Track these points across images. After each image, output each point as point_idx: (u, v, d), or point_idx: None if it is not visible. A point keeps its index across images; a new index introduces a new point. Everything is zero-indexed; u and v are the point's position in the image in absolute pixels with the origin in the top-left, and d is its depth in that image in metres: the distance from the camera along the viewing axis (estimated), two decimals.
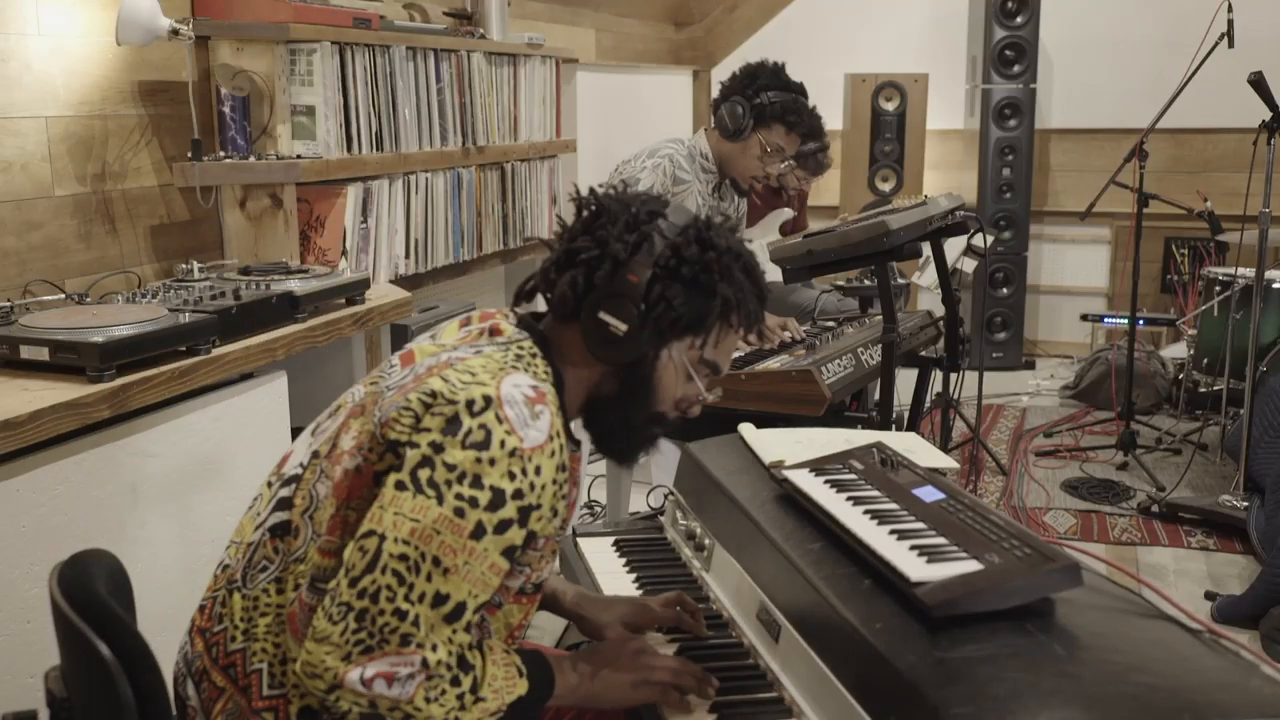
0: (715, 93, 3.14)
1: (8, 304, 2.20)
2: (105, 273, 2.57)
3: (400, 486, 1.21)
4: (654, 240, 1.37)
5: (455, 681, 1.23)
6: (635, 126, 3.15)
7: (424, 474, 1.21)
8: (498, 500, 1.22)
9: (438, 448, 1.21)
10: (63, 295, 2.36)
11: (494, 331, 1.39)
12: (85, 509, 1.91)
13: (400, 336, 2.88)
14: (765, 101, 2.97)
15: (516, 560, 1.29)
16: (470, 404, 1.23)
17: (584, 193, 1.45)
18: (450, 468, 1.21)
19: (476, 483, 1.21)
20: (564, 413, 1.37)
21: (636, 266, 1.36)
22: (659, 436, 1.49)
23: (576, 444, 1.44)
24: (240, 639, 1.33)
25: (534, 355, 1.36)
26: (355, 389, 1.44)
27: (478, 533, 1.21)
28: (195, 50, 2.70)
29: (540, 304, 1.49)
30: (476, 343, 1.36)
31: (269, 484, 1.43)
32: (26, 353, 1.97)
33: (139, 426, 2.02)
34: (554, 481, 1.27)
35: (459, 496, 1.20)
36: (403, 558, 1.19)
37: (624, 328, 1.35)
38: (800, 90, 3.04)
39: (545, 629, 2.77)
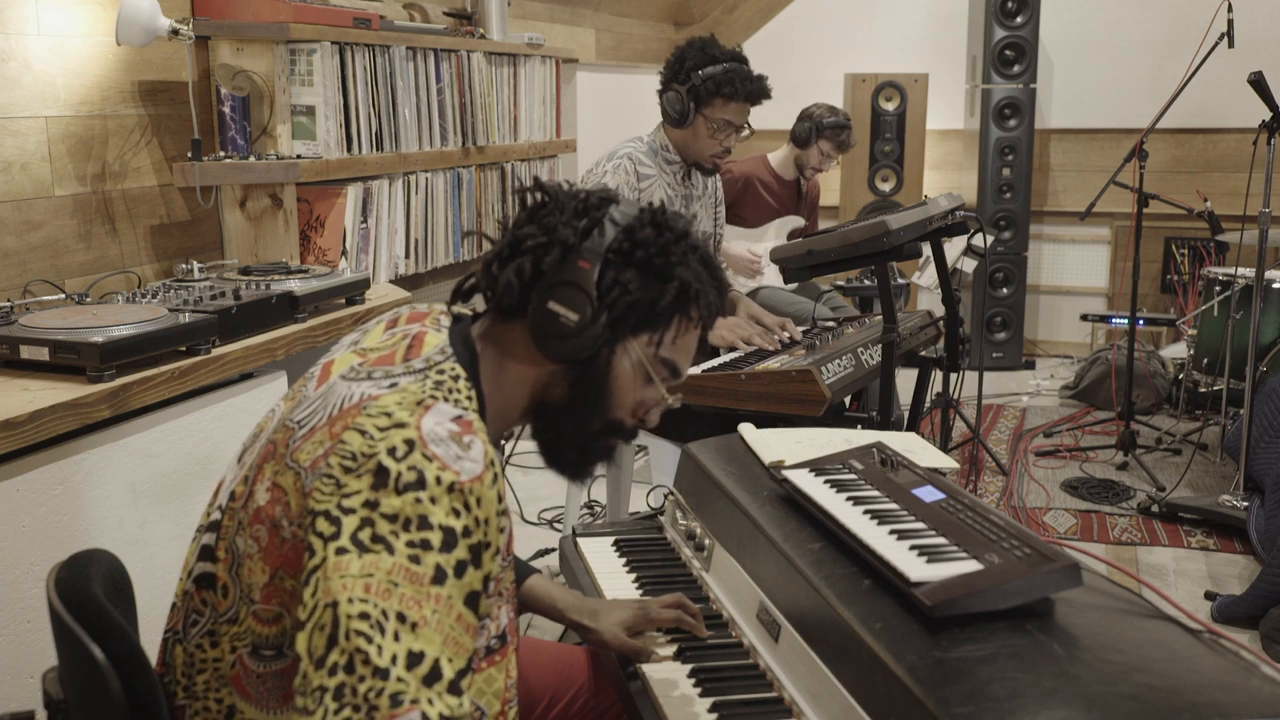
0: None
1: (8, 304, 2.20)
2: (105, 273, 2.57)
3: (341, 552, 1.08)
4: (605, 226, 1.27)
5: None
6: (635, 126, 3.14)
7: (365, 534, 1.09)
8: (450, 540, 1.10)
9: (373, 505, 1.10)
10: (63, 295, 2.36)
11: (415, 344, 1.28)
12: (85, 509, 1.91)
13: None
14: (698, 81, 2.95)
15: (479, 612, 1.16)
16: (392, 451, 1.11)
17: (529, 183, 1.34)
18: (391, 518, 1.09)
19: (424, 524, 1.09)
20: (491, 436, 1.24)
21: (588, 253, 1.25)
22: (615, 448, 1.37)
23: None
24: (182, 695, 1.27)
25: (455, 379, 1.22)
26: (276, 408, 1.33)
27: (439, 578, 1.09)
28: (195, 50, 2.70)
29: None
30: (392, 368, 1.24)
31: (206, 514, 1.33)
32: (26, 353, 1.98)
33: (139, 426, 2.02)
34: (497, 514, 1.16)
35: (410, 544, 1.08)
36: (364, 616, 1.05)
37: (575, 318, 1.24)
38: (733, 57, 2.99)
39: (544, 628, 2.78)
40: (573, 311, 1.24)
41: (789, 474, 1.68)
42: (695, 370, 2.69)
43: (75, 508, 1.89)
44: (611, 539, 1.98)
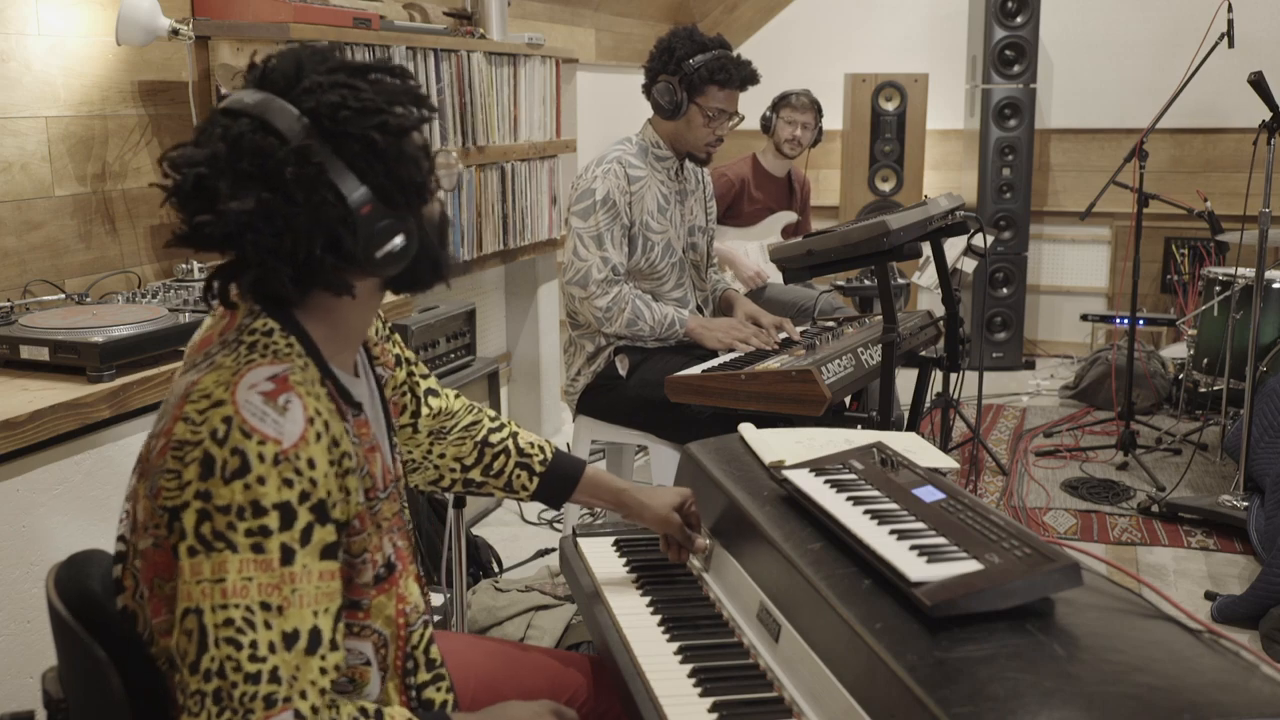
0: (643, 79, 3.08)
1: (8, 304, 2.20)
2: (105, 273, 2.57)
3: (192, 553, 1.11)
4: (332, 170, 1.20)
5: None
6: (635, 126, 3.13)
7: (206, 529, 1.11)
8: (288, 515, 1.13)
9: (205, 496, 1.11)
10: (63, 295, 2.36)
11: (231, 316, 1.28)
12: (85, 509, 1.91)
13: (400, 337, 2.88)
14: (690, 70, 2.91)
15: (346, 554, 1.22)
16: (214, 434, 1.12)
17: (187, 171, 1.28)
18: (225, 509, 1.11)
19: (258, 510, 1.11)
20: (326, 366, 1.26)
21: (358, 204, 1.20)
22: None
23: (358, 407, 1.31)
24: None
25: (269, 333, 1.23)
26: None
27: (287, 557, 1.12)
28: (195, 50, 2.70)
29: None
30: (210, 348, 1.26)
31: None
32: (26, 353, 1.98)
33: (139, 426, 2.02)
34: (330, 464, 1.17)
35: (249, 532, 1.11)
36: (228, 622, 1.09)
37: (402, 242, 1.23)
38: (720, 44, 2.96)
39: (545, 629, 2.76)
40: (398, 240, 1.23)
41: (789, 474, 1.68)
42: (695, 370, 2.69)
43: (75, 508, 1.89)
44: (611, 539, 1.98)
